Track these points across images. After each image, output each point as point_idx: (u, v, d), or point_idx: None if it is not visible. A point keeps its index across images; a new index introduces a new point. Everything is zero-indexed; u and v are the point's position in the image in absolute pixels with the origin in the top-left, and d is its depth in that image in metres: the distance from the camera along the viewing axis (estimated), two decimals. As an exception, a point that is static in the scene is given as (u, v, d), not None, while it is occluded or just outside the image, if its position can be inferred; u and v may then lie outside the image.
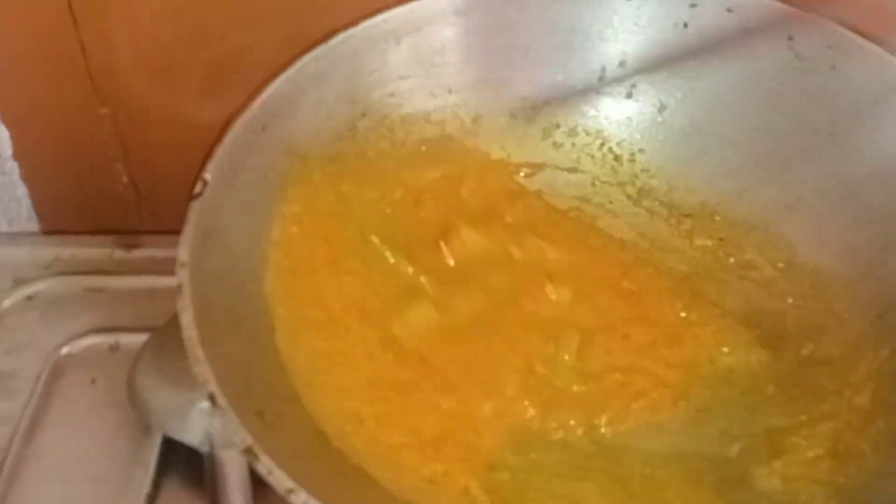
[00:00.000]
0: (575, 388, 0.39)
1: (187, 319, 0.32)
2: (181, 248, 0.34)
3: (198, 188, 0.35)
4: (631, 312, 0.41)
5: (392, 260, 0.41)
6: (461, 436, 0.36)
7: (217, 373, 0.31)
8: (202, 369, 0.31)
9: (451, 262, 0.41)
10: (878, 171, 0.40)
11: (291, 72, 0.39)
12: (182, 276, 0.33)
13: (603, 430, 0.38)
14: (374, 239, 0.41)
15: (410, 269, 0.40)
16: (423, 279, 0.40)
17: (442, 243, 0.41)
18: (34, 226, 0.54)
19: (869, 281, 0.39)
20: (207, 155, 0.36)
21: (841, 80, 0.41)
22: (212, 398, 0.30)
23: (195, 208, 0.35)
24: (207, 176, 0.35)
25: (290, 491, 0.29)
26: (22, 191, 0.53)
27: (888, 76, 0.40)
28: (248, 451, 0.29)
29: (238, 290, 0.36)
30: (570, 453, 0.37)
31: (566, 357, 0.39)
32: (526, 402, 0.38)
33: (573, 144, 0.45)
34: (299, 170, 0.40)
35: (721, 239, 0.43)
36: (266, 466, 0.29)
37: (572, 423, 0.38)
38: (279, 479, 0.29)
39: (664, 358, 0.40)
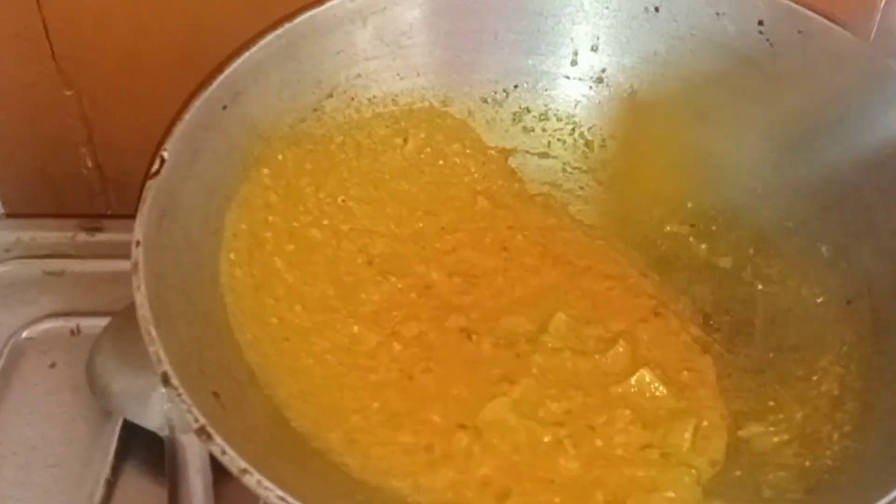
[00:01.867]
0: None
1: (141, 299, 0.31)
2: (137, 226, 0.33)
3: (155, 166, 0.35)
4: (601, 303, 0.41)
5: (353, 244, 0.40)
6: (421, 413, 0.35)
7: (171, 353, 0.31)
8: (156, 349, 0.30)
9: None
10: (846, 156, 0.40)
11: (253, 50, 0.39)
12: (137, 255, 0.32)
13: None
14: (335, 220, 0.40)
15: (371, 252, 0.40)
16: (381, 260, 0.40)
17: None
18: (-1, 209, 0.54)
19: (838, 267, 0.39)
20: (165, 132, 0.36)
21: (811, 66, 0.40)
22: (165, 378, 0.30)
23: (152, 186, 0.34)
24: (165, 154, 0.35)
25: (244, 472, 0.29)
26: (-15, 174, 0.53)
27: (858, 61, 0.40)
28: (202, 432, 0.29)
29: (194, 271, 0.35)
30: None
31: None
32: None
33: (544, 129, 0.45)
34: (261, 151, 0.39)
35: (692, 225, 0.43)
36: (219, 447, 0.29)
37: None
38: (233, 459, 0.29)
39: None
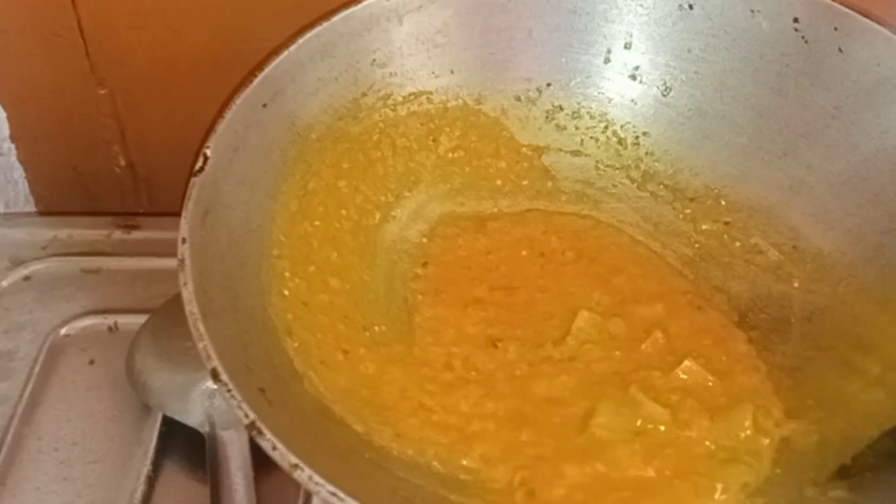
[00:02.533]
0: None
1: (188, 295, 0.32)
2: (182, 224, 0.34)
3: (199, 164, 0.35)
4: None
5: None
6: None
7: (218, 349, 0.31)
8: (205, 345, 0.31)
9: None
10: (882, 153, 0.40)
11: (293, 49, 0.39)
12: (183, 252, 0.33)
13: None
14: (376, 216, 0.40)
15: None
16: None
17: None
18: (31, 208, 0.54)
19: (874, 264, 0.39)
20: (208, 130, 0.36)
21: (846, 63, 0.40)
22: (214, 374, 0.30)
23: (196, 184, 0.34)
24: (208, 151, 0.35)
25: (295, 467, 0.29)
26: (19, 172, 0.53)
27: (894, 58, 0.39)
28: (252, 427, 0.29)
29: (237, 267, 0.35)
30: None
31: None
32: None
33: (577, 127, 0.45)
34: (300, 148, 0.40)
35: (726, 223, 0.43)
36: (270, 442, 0.29)
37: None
38: (283, 454, 0.29)
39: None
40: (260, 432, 0.29)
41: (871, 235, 0.40)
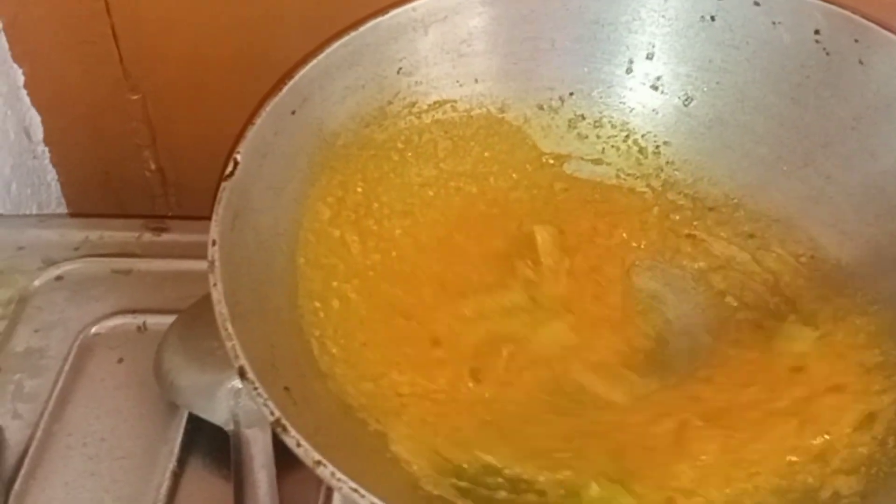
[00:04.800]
0: None
1: (218, 295, 0.32)
2: (213, 227, 0.34)
3: (229, 168, 0.36)
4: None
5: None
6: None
7: (246, 349, 0.32)
8: (233, 344, 0.31)
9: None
10: (902, 164, 0.40)
11: (321, 57, 0.40)
12: (213, 254, 0.34)
13: None
14: (398, 226, 0.41)
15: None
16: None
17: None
18: (63, 210, 0.55)
19: (893, 275, 0.39)
20: (239, 136, 0.37)
21: (867, 74, 0.41)
22: (241, 372, 0.31)
23: (227, 188, 0.35)
24: (238, 156, 0.36)
25: (319, 463, 0.29)
26: (52, 175, 0.54)
27: (915, 70, 0.40)
28: (277, 424, 0.30)
29: (264, 269, 0.36)
30: None
31: None
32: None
33: (598, 136, 0.45)
34: (327, 154, 0.40)
35: (751, 237, 0.43)
36: (294, 439, 0.30)
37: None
38: (307, 451, 0.30)
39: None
40: (285, 429, 0.30)
41: (888, 246, 0.40)
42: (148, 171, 0.54)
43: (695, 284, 0.43)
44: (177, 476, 0.41)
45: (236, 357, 0.31)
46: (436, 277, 0.41)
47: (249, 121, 0.37)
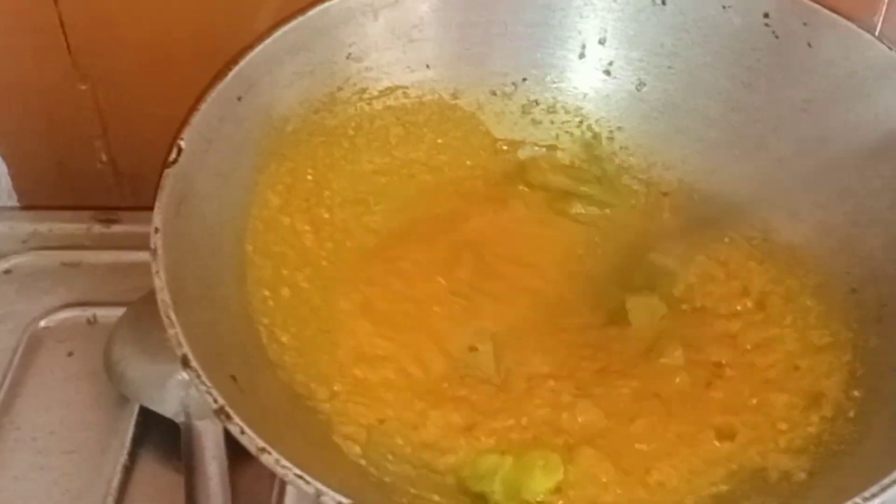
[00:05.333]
0: None
1: (161, 283, 0.32)
2: (155, 214, 0.34)
3: (172, 155, 0.35)
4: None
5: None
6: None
7: (190, 337, 0.31)
8: (175, 332, 0.31)
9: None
10: (852, 147, 0.40)
11: (268, 42, 0.39)
12: (156, 242, 0.33)
13: None
14: (350, 212, 0.41)
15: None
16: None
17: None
18: (13, 202, 0.54)
19: (842, 256, 0.40)
20: (182, 123, 0.36)
21: (816, 57, 0.41)
22: (184, 360, 0.31)
23: (170, 175, 0.35)
24: (182, 143, 0.36)
25: (263, 450, 0.29)
26: (2, 168, 0.53)
27: (863, 53, 0.40)
28: (221, 412, 0.30)
29: (211, 257, 0.36)
30: None
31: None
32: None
33: (552, 122, 0.45)
34: (276, 141, 0.40)
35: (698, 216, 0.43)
36: (238, 426, 0.30)
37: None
38: (251, 439, 0.29)
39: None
40: (228, 417, 0.30)
41: (839, 228, 0.40)
42: (100, 162, 0.53)
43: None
44: (128, 469, 0.41)
45: (179, 345, 0.31)
46: (391, 266, 0.41)
47: (194, 107, 0.37)
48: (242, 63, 0.38)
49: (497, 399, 0.37)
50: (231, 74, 0.38)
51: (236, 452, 0.39)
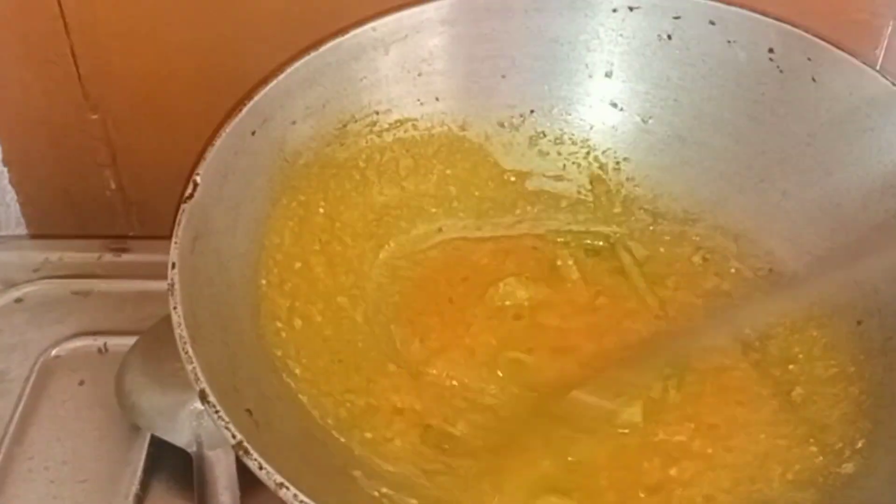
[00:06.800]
0: None
1: (178, 318, 0.32)
2: (172, 249, 0.34)
3: (189, 190, 0.36)
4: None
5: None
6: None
7: (207, 371, 0.32)
8: (194, 367, 0.31)
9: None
10: (856, 180, 0.41)
11: (281, 77, 0.40)
12: (173, 277, 0.33)
13: None
14: (362, 242, 0.41)
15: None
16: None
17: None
18: (22, 231, 0.55)
19: (847, 288, 0.40)
20: (198, 157, 0.37)
21: (820, 92, 0.41)
22: (203, 395, 0.31)
23: (186, 210, 0.35)
24: (198, 178, 0.36)
25: (281, 486, 0.29)
26: (11, 196, 0.54)
27: (867, 87, 0.41)
28: (240, 447, 0.30)
29: (226, 291, 0.36)
30: None
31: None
32: None
33: (559, 153, 0.46)
34: (288, 174, 0.40)
35: (704, 259, 0.44)
36: (257, 462, 0.30)
37: None
38: (269, 474, 0.30)
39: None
40: (247, 452, 0.30)
41: (843, 260, 0.41)
42: (108, 190, 0.53)
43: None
44: (139, 499, 0.41)
45: (197, 380, 0.31)
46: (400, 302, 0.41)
47: (209, 142, 0.37)
48: (257, 98, 0.39)
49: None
50: (245, 110, 0.38)
51: (247, 481, 0.39)
